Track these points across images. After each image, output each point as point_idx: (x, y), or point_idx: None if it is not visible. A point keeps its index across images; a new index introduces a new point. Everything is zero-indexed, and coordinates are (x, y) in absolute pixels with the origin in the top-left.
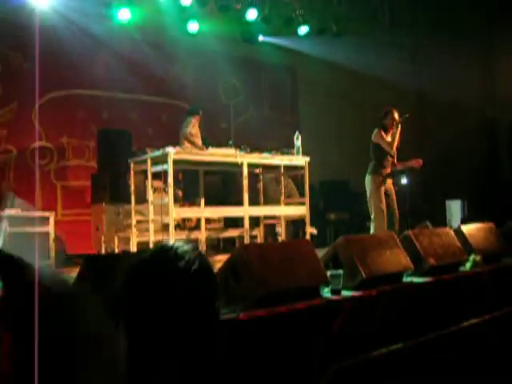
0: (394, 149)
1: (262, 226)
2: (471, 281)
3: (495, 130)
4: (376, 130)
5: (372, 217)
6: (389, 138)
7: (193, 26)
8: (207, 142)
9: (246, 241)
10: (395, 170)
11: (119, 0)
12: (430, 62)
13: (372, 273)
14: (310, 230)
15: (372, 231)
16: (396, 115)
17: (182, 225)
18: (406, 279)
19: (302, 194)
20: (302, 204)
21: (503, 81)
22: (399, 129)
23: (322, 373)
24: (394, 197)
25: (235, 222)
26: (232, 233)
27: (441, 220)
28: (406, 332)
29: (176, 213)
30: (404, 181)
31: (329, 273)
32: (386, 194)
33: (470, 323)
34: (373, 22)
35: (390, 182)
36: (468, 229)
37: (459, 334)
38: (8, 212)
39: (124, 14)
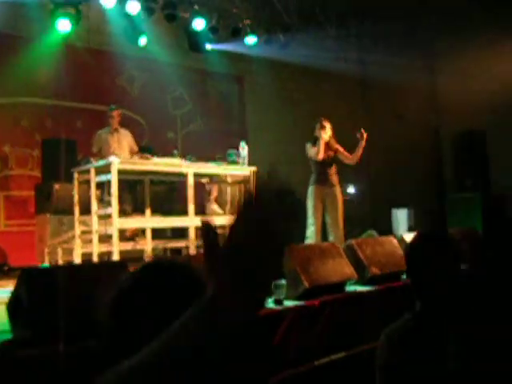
0: (321, 156)
1: None
2: None
3: (439, 140)
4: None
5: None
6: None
7: (142, 40)
8: (151, 151)
9: (192, 251)
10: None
11: (62, 9)
12: (376, 74)
13: (315, 282)
14: None
15: (306, 241)
16: (322, 124)
17: (128, 235)
18: (349, 288)
19: None
20: None
21: (447, 92)
22: (329, 136)
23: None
24: (337, 206)
25: (184, 233)
26: (178, 243)
27: (386, 229)
28: (349, 341)
29: (120, 223)
30: (351, 190)
31: None
32: (325, 204)
33: None
34: (320, 33)
35: (331, 191)
36: (411, 237)
37: None
38: None
39: (64, 25)
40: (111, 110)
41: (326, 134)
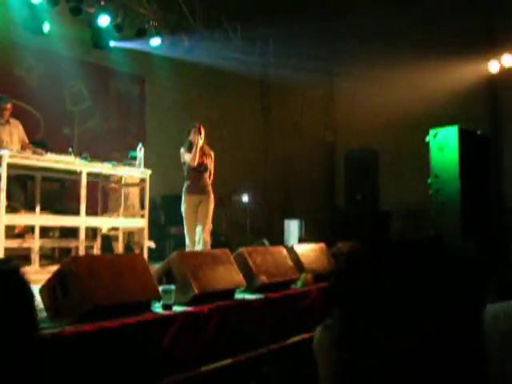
0: (196, 162)
1: (99, 238)
2: (301, 298)
3: (333, 156)
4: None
5: None
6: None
7: (46, 26)
8: (46, 146)
9: (82, 252)
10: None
11: None
12: (277, 83)
13: (204, 288)
14: (148, 244)
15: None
16: (199, 129)
17: (16, 232)
18: (239, 296)
19: (142, 207)
20: (142, 216)
21: (344, 109)
22: (199, 143)
23: None
24: (208, 214)
25: (74, 232)
26: (68, 243)
27: (279, 238)
28: (237, 347)
29: (8, 219)
30: (245, 198)
31: (161, 288)
32: (196, 211)
33: (301, 338)
34: (227, 40)
35: (204, 198)
36: (300, 248)
37: (287, 349)
38: None
39: None
40: (4, 101)
41: (202, 139)
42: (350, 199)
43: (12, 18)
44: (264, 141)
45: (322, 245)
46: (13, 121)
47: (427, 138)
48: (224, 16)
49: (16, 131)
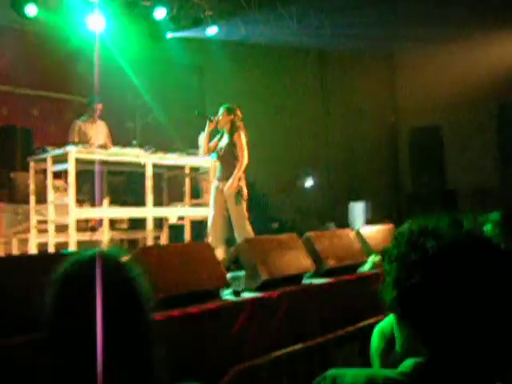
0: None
1: (165, 228)
2: (370, 281)
3: (396, 136)
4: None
5: None
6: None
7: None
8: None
9: (149, 243)
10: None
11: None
12: (334, 68)
13: (273, 274)
14: None
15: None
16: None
17: (85, 225)
18: (306, 280)
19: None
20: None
21: (405, 87)
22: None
23: (223, 374)
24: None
25: (142, 224)
26: (135, 234)
27: (345, 222)
28: (306, 332)
29: (77, 213)
30: (309, 183)
31: (230, 275)
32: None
33: (367, 323)
34: (282, 27)
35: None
36: (368, 230)
37: (357, 333)
38: None
39: (31, 10)
40: (96, 101)
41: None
42: (415, 178)
43: (70, 15)
44: (325, 124)
45: (389, 225)
46: (99, 121)
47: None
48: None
49: (102, 131)
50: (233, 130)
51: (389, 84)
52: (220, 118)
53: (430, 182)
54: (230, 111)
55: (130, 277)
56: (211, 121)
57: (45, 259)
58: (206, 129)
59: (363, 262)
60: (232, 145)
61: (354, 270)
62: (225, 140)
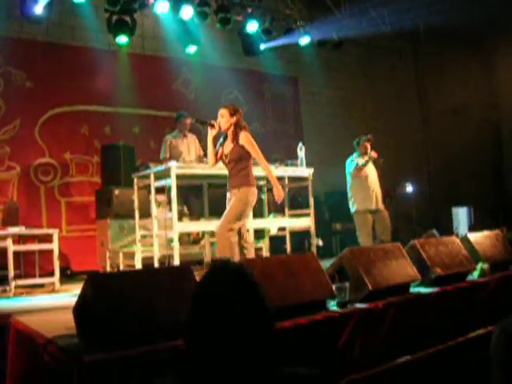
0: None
1: (267, 239)
2: (479, 290)
3: (499, 136)
4: None
5: None
6: None
7: (191, 48)
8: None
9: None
10: None
11: (117, 17)
12: (430, 70)
13: (378, 284)
14: (316, 242)
15: None
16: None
17: (188, 239)
18: (413, 290)
19: (306, 206)
20: (307, 215)
21: (505, 87)
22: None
23: None
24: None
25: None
26: None
27: (447, 228)
28: (414, 344)
29: (180, 227)
30: (410, 189)
31: (334, 286)
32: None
33: (478, 333)
34: (374, 31)
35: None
36: (475, 237)
37: (467, 345)
38: (12, 230)
39: (121, 39)
40: (185, 116)
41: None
42: None
43: (165, 35)
44: (423, 127)
45: (497, 231)
46: (190, 135)
47: None
48: (369, 4)
49: (193, 144)
50: (237, 132)
51: (488, 82)
52: (221, 121)
53: None
54: (232, 112)
55: (261, 291)
56: (213, 126)
57: (174, 272)
58: (209, 137)
59: (471, 270)
60: (239, 147)
61: (462, 277)
62: (229, 145)
